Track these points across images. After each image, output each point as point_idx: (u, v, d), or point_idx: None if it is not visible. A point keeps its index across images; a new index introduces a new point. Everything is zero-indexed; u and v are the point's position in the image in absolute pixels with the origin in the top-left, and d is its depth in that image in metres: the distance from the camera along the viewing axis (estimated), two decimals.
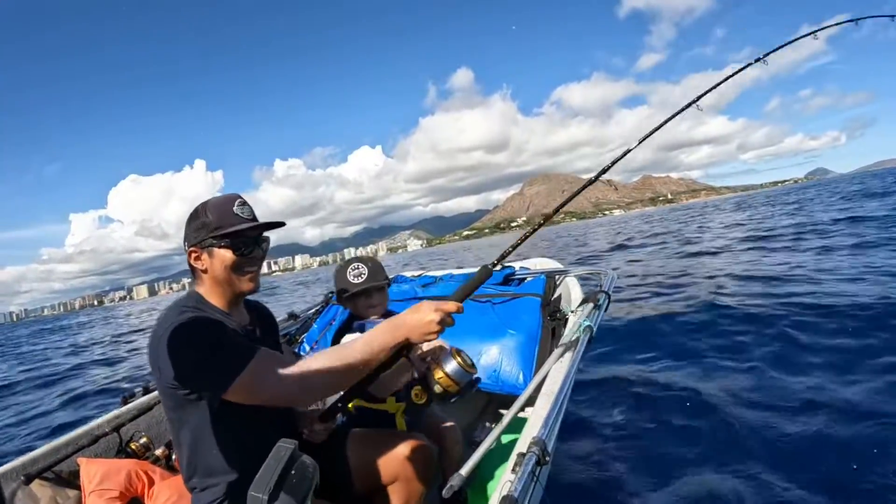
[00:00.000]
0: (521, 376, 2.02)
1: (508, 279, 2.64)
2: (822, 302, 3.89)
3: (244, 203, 1.20)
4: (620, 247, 12.79)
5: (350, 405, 1.29)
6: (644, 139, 1.65)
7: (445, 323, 1.11)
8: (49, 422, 4.94)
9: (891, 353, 2.79)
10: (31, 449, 1.60)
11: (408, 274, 3.13)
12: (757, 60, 1.89)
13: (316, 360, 1.07)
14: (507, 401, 1.75)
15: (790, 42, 2.03)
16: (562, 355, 1.54)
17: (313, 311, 2.78)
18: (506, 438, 1.71)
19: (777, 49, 1.97)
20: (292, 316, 2.76)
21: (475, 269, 3.08)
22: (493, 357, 2.11)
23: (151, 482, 1.55)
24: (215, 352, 1.03)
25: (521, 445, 1.09)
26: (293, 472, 0.81)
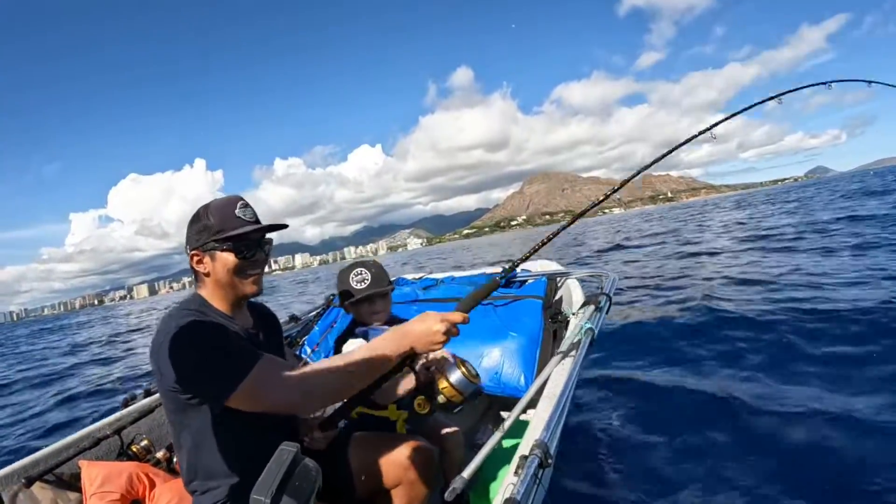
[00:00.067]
0: (522, 379, 2.02)
1: (510, 281, 2.63)
2: (823, 307, 3.85)
3: (246, 205, 1.19)
4: (618, 247, 12.79)
5: (353, 413, 1.28)
6: (658, 160, 1.70)
7: (451, 333, 1.11)
8: (43, 422, 4.94)
9: (891, 360, 2.77)
10: (24, 448, 1.60)
11: (409, 276, 3.13)
12: (771, 98, 1.97)
13: (320, 369, 1.06)
14: (509, 403, 1.75)
15: (799, 88, 2.11)
16: (563, 358, 1.54)
17: (314, 313, 2.78)
18: (508, 441, 1.71)
19: (788, 92, 2.02)
20: (293, 318, 2.76)
21: (476, 272, 3.08)
22: (495, 359, 2.11)
23: (153, 485, 1.55)
24: (217, 359, 1.02)
25: (524, 448, 1.10)
26: (296, 475, 0.80)
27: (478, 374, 1.24)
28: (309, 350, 2.47)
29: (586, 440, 2.44)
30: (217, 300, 1.20)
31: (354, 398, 1.17)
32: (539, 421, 1.21)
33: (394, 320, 1.66)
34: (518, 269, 2.78)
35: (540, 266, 2.93)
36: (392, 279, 1.82)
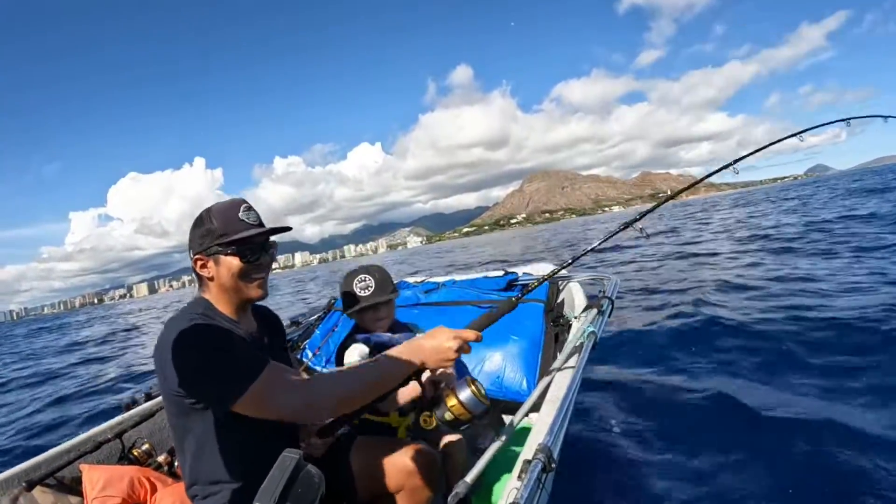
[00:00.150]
0: (524, 383, 2.01)
1: (511, 285, 2.63)
2: (824, 315, 3.83)
3: (250, 208, 1.17)
4: (617, 247, 12.76)
5: (354, 420, 1.27)
6: (682, 190, 1.78)
7: (462, 350, 1.12)
8: (36, 421, 4.92)
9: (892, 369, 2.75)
10: (18, 448, 1.59)
11: (410, 280, 3.13)
12: (794, 134, 1.97)
13: (328, 380, 1.05)
14: (511, 407, 1.75)
15: (820, 126, 2.09)
16: (566, 361, 1.53)
17: (315, 317, 2.77)
18: (510, 445, 1.71)
19: (808, 130, 2.01)
20: (294, 322, 2.75)
21: (477, 275, 3.07)
22: (497, 363, 2.10)
23: (154, 489, 1.54)
24: (223, 364, 1.01)
25: (527, 452, 1.09)
26: (298, 482, 0.80)
27: (487, 395, 1.22)
28: (310, 354, 2.45)
29: (589, 444, 2.43)
30: (222, 304, 1.18)
31: (358, 409, 1.16)
32: (542, 425, 1.21)
33: (397, 326, 1.66)
34: (520, 273, 2.79)
35: (542, 270, 2.92)
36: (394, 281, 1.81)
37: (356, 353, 1.49)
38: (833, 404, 2.46)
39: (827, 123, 2.17)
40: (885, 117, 2.21)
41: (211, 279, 1.16)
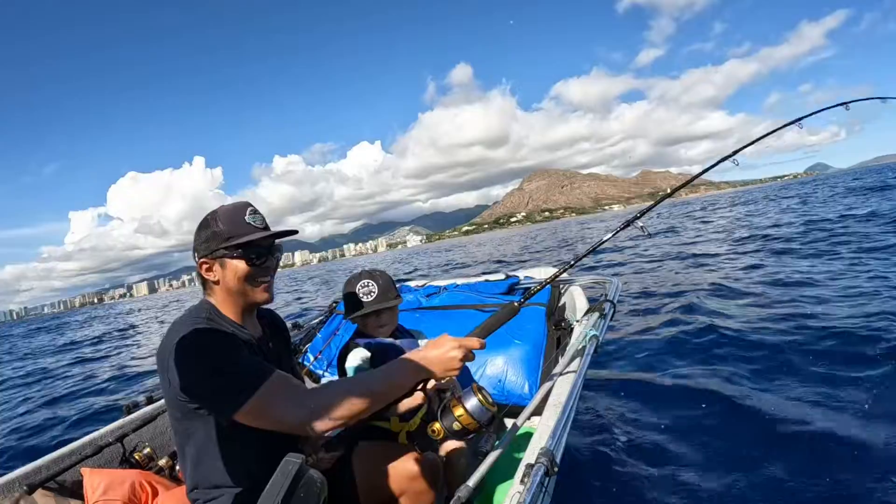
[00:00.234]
0: (526, 386, 2.01)
1: (513, 289, 2.63)
2: (824, 322, 3.78)
3: (255, 211, 1.17)
4: (616, 247, 12.73)
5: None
6: (683, 185, 1.77)
7: (467, 359, 1.11)
8: (28, 420, 4.92)
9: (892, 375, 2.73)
10: (11, 448, 1.59)
11: (412, 284, 3.12)
12: (795, 121, 2.00)
13: (332, 390, 1.04)
14: (513, 411, 1.75)
15: (818, 111, 2.15)
16: (568, 365, 1.53)
17: (317, 320, 2.76)
18: (513, 449, 1.71)
19: (807, 116, 2.05)
20: (296, 326, 2.74)
21: (478, 279, 3.06)
22: (498, 367, 2.09)
23: (155, 493, 1.54)
24: (226, 373, 1.01)
25: (529, 456, 1.09)
26: (300, 487, 0.80)
27: (494, 402, 1.20)
28: (312, 358, 2.45)
29: (592, 448, 2.42)
30: (227, 308, 1.17)
31: (361, 420, 1.16)
32: (544, 429, 1.20)
33: (399, 331, 1.65)
34: (521, 276, 2.78)
35: (543, 273, 2.92)
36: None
37: (357, 358, 1.48)
38: (834, 411, 2.45)
39: (827, 108, 2.22)
40: (884, 99, 2.26)
41: (216, 283, 1.16)
